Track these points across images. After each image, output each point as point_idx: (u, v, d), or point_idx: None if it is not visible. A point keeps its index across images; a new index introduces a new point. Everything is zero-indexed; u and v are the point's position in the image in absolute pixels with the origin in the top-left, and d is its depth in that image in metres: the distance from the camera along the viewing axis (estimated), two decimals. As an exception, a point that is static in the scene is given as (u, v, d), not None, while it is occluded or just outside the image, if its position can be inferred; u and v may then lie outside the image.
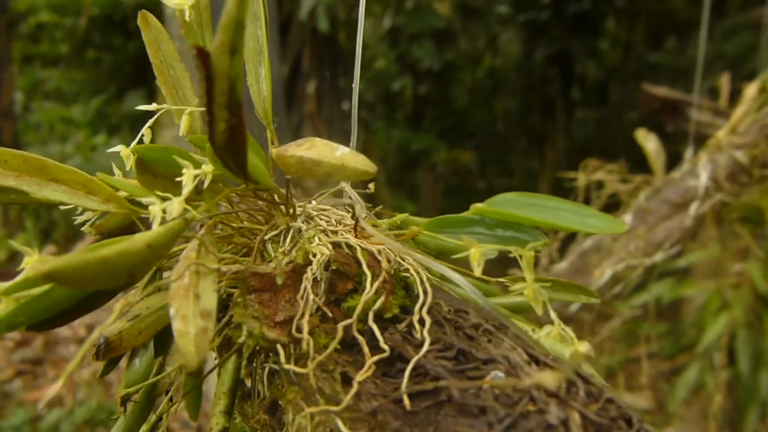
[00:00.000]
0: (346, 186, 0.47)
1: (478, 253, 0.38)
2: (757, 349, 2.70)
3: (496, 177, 6.70)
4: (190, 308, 0.32)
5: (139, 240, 0.32)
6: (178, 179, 0.39)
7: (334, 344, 0.36)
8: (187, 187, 0.37)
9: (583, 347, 0.38)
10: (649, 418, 2.92)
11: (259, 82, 0.48)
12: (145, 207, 0.44)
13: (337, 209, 0.48)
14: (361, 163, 0.40)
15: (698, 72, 1.93)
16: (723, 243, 2.61)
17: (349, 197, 0.47)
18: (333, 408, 0.34)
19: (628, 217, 1.50)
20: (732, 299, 2.73)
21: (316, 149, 0.40)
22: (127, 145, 0.46)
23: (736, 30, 4.40)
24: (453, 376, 0.34)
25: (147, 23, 0.48)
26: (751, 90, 1.58)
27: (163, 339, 0.45)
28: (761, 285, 2.78)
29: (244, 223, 0.46)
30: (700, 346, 2.46)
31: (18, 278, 0.36)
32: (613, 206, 1.62)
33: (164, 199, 0.38)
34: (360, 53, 0.51)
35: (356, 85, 0.51)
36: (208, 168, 0.39)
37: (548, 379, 0.32)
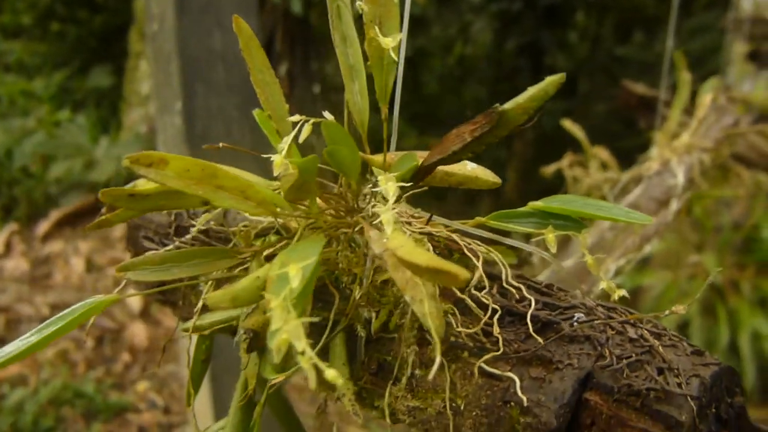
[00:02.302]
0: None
1: (553, 236, 0.49)
2: (710, 336, 2.80)
3: (465, 165, 6.74)
4: (423, 294, 0.40)
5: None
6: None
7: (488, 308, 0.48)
8: (392, 199, 0.44)
9: (622, 292, 0.49)
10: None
11: (354, 95, 0.54)
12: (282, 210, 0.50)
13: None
14: (490, 176, 0.54)
15: (665, 69, 1.99)
16: (681, 235, 2.68)
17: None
18: (495, 353, 0.45)
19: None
20: (688, 289, 2.82)
21: None
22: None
23: (701, 29, 4.50)
24: (552, 319, 0.46)
25: (240, 29, 0.50)
26: (706, 99, 1.71)
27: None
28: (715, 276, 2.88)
29: (328, 219, 0.52)
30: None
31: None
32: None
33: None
34: (403, 56, 0.57)
35: (397, 102, 0.56)
36: (389, 180, 0.45)
37: (679, 307, 0.47)
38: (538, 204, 0.51)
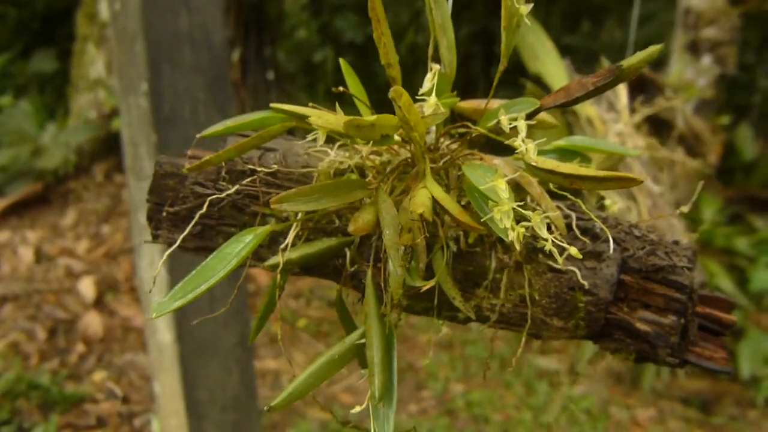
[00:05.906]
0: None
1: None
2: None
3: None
4: (552, 205, 0.55)
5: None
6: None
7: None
8: (523, 132, 0.55)
9: (617, 206, 0.72)
10: (560, 378, 3.12)
11: (444, 50, 0.62)
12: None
13: None
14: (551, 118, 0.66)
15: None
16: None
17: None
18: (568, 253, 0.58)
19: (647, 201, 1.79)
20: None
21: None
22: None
23: (647, 19, 4.64)
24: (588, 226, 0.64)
25: None
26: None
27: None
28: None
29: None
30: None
31: None
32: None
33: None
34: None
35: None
36: (521, 118, 0.56)
37: (684, 208, 0.70)
38: (560, 143, 0.68)
